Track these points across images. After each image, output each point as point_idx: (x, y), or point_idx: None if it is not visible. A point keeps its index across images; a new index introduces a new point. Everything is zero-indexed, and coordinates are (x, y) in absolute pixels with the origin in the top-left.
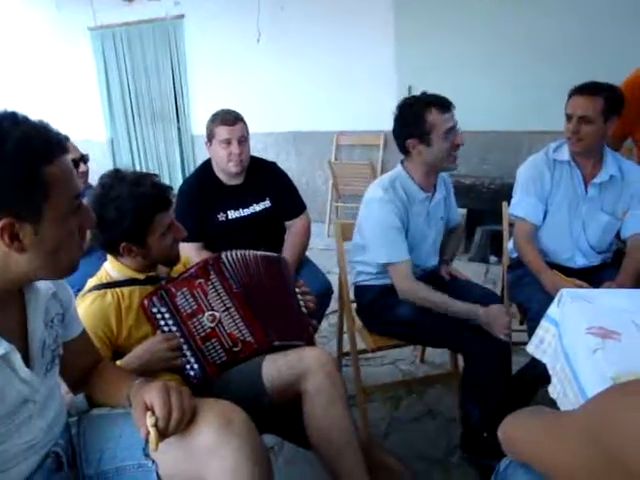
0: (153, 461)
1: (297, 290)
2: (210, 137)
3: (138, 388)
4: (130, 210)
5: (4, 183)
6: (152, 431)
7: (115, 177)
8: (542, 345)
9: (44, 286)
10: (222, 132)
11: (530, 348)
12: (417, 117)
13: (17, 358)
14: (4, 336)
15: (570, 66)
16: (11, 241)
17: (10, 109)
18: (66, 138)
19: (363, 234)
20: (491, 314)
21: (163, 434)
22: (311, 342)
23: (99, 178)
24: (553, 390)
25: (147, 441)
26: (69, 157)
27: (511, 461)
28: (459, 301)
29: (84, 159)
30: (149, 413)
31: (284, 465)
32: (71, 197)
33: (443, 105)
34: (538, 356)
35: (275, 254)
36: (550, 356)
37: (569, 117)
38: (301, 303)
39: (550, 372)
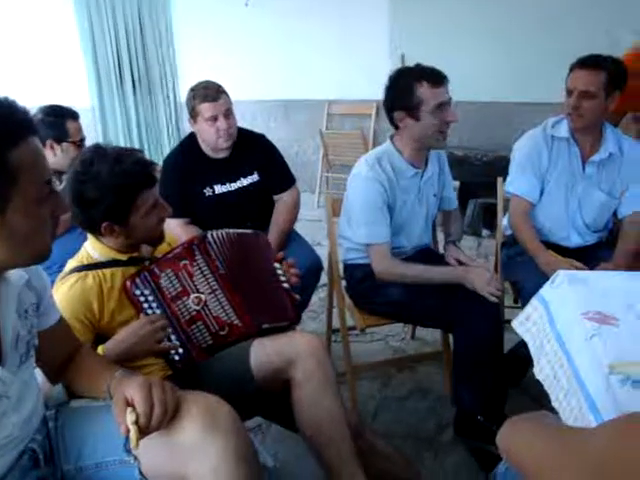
0: (135, 457)
1: (277, 265)
2: (193, 115)
3: (119, 381)
4: (111, 188)
5: None
6: (132, 428)
7: (96, 152)
8: (527, 323)
9: (16, 275)
10: (206, 109)
11: (515, 323)
12: (407, 89)
13: None
14: None
15: (568, 35)
16: None
17: None
18: (75, 115)
19: (348, 211)
20: (472, 270)
21: (144, 431)
22: (297, 320)
23: (79, 153)
24: (539, 372)
25: (127, 438)
26: (37, 139)
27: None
28: (437, 267)
29: (82, 142)
30: (130, 409)
31: (273, 444)
32: (41, 183)
33: (436, 79)
34: (520, 332)
35: (251, 230)
36: (533, 335)
37: (570, 92)
38: (282, 278)
39: (533, 351)
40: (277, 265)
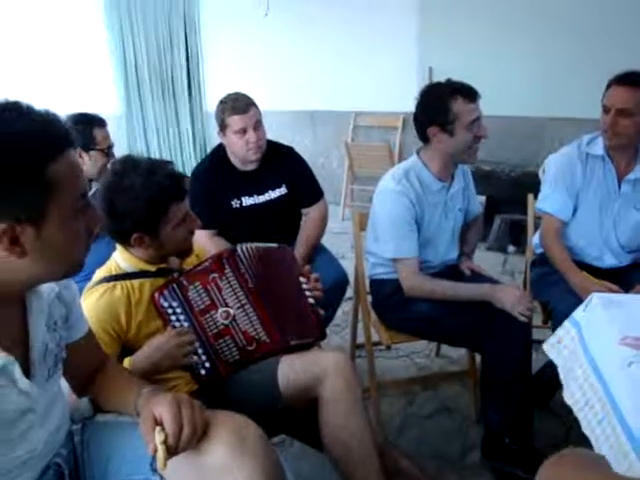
0: (161, 477)
1: (303, 280)
2: (223, 127)
3: (147, 398)
4: (144, 200)
5: (5, 183)
6: (161, 448)
7: (128, 164)
8: (558, 345)
9: (47, 288)
10: (236, 122)
11: (546, 346)
12: (442, 104)
13: (16, 369)
14: (3, 344)
15: (602, 50)
16: (11, 245)
17: (12, 98)
18: (102, 122)
19: (375, 225)
20: (502, 289)
21: (172, 451)
22: (323, 335)
23: (110, 164)
24: (570, 397)
25: (154, 457)
26: (74, 152)
27: None
28: (466, 284)
29: (110, 149)
30: (158, 428)
31: (294, 460)
32: (77, 196)
33: (470, 94)
34: (552, 356)
35: (277, 245)
36: (564, 358)
37: (607, 109)
38: (308, 294)
39: (562, 375)
40: (303, 280)
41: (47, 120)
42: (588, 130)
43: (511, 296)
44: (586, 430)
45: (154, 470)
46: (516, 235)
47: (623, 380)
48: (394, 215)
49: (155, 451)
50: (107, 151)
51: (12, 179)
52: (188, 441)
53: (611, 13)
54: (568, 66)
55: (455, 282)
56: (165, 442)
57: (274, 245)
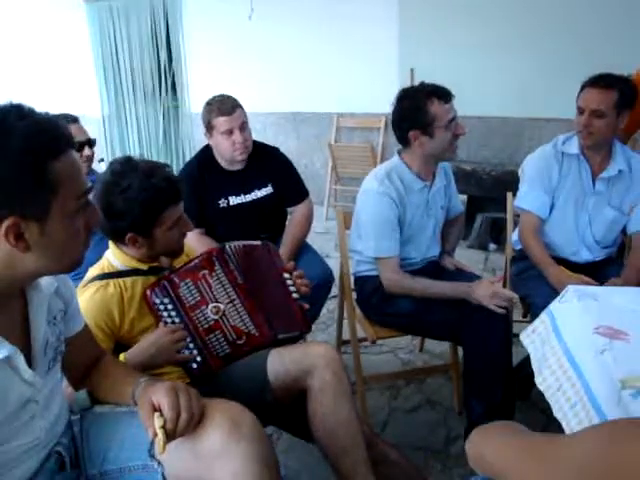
0: (159, 462)
1: (286, 275)
2: (209, 128)
3: (145, 387)
4: (140, 202)
5: (9, 181)
6: (160, 433)
7: (127, 165)
8: (533, 335)
9: (46, 283)
10: (222, 123)
11: (522, 336)
12: (419, 108)
13: (20, 360)
14: (6, 337)
15: (577, 53)
16: (16, 241)
17: (15, 101)
18: (75, 119)
19: (358, 225)
20: (477, 285)
21: (171, 436)
22: (308, 328)
23: (109, 164)
24: (542, 382)
25: (153, 442)
26: (75, 152)
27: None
28: (444, 282)
29: (90, 143)
30: (157, 414)
31: (282, 454)
32: (78, 194)
33: (444, 95)
34: (526, 344)
35: (260, 242)
36: (537, 347)
37: (581, 110)
38: (292, 288)
39: (533, 362)
40: (286, 275)
41: (48, 122)
42: (566, 130)
43: (486, 291)
44: (558, 414)
45: (152, 456)
46: (497, 233)
47: (596, 367)
48: (376, 215)
49: (155, 436)
50: (85, 145)
51: (17, 178)
52: (186, 426)
53: (588, 17)
54: (546, 68)
55: (433, 280)
56: (164, 427)
57: (257, 242)
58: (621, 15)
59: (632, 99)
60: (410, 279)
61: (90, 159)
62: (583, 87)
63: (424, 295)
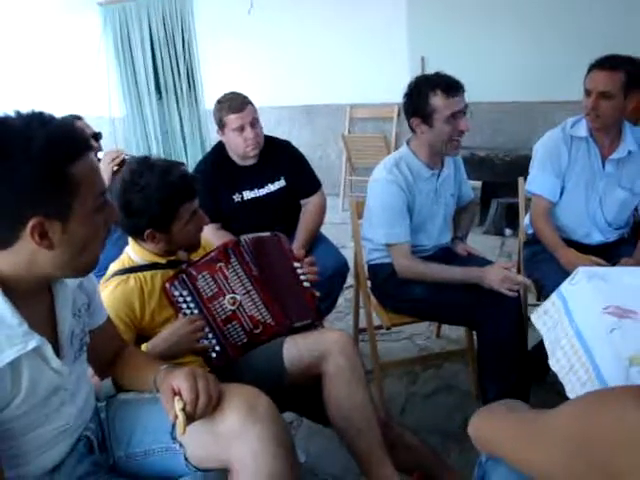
0: (180, 444)
1: (297, 264)
2: (221, 126)
3: (165, 374)
4: (158, 199)
5: (34, 183)
6: (180, 415)
7: (145, 165)
8: (544, 316)
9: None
10: (233, 120)
11: (533, 317)
12: (422, 97)
13: (48, 349)
14: (35, 329)
15: (588, 35)
16: (41, 239)
17: (37, 109)
18: (78, 117)
19: (369, 213)
20: (488, 270)
21: (191, 418)
22: (320, 316)
23: (127, 163)
24: (555, 363)
25: (175, 425)
26: (93, 155)
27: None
28: (456, 267)
29: (96, 137)
30: (177, 398)
31: (303, 440)
32: (97, 194)
33: (450, 88)
34: (538, 326)
35: (269, 233)
36: (550, 329)
37: (588, 92)
38: (303, 277)
39: (548, 344)
40: (297, 264)
41: (68, 127)
42: (578, 112)
43: (497, 275)
44: (570, 394)
45: (174, 438)
46: (512, 218)
47: (606, 346)
48: (386, 202)
49: (175, 418)
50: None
51: (41, 180)
52: (204, 408)
53: (591, 4)
54: (558, 50)
55: (445, 265)
56: (184, 410)
57: (267, 234)
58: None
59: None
60: (422, 264)
61: (97, 152)
62: (590, 69)
63: (436, 280)
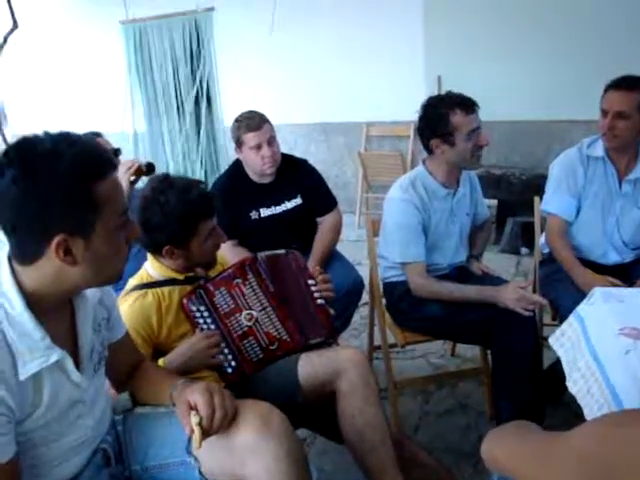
0: (196, 458)
1: (311, 282)
2: (239, 144)
3: (182, 388)
4: (177, 216)
5: (60, 201)
6: (196, 429)
7: (165, 182)
8: (562, 338)
9: (91, 293)
10: (250, 138)
11: (551, 340)
12: (441, 117)
13: (69, 363)
14: (57, 342)
15: (605, 55)
16: (65, 255)
17: (64, 130)
18: (98, 134)
19: (384, 231)
20: (503, 289)
21: (206, 433)
22: (334, 332)
23: (148, 180)
24: (573, 386)
25: (190, 439)
26: (117, 174)
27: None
28: (470, 286)
29: (115, 153)
30: (193, 412)
31: (317, 456)
32: (120, 212)
33: (467, 106)
34: (555, 348)
35: (284, 250)
36: (568, 351)
37: (604, 113)
38: (316, 295)
39: (565, 366)
40: (311, 281)
41: (93, 148)
42: (594, 131)
43: (512, 294)
44: (588, 417)
45: (189, 452)
46: (528, 237)
47: (621, 367)
48: (401, 222)
49: (192, 432)
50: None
51: (67, 199)
52: (220, 423)
53: (613, 19)
54: (573, 70)
55: (460, 284)
56: (200, 424)
57: (282, 251)
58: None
59: None
60: (437, 283)
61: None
62: (606, 89)
63: (451, 299)
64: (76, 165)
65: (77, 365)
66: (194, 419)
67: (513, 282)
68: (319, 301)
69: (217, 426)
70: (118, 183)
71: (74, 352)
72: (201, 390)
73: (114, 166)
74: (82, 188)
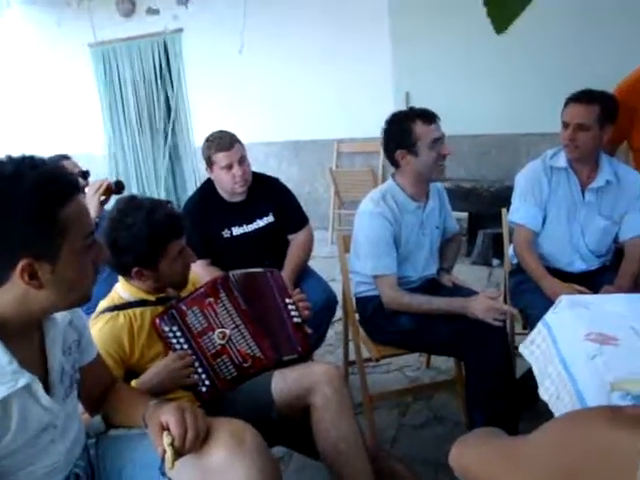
0: (169, 479)
1: (289, 300)
2: (210, 164)
3: (154, 409)
4: (144, 237)
5: (24, 225)
6: (168, 450)
7: (132, 203)
8: (531, 346)
9: (60, 316)
10: (221, 158)
11: (521, 348)
12: (404, 130)
13: (38, 387)
14: (25, 367)
15: (565, 70)
16: (30, 279)
17: (28, 153)
18: (66, 157)
19: (356, 245)
20: (473, 300)
21: (179, 453)
22: (309, 351)
23: (115, 202)
24: (544, 393)
25: (163, 460)
26: (82, 197)
27: None
28: (441, 297)
29: (84, 175)
30: (165, 432)
31: (294, 474)
32: (85, 235)
33: (428, 117)
34: (526, 356)
35: (263, 269)
36: (539, 358)
37: (566, 124)
38: (294, 313)
39: (536, 373)
40: (289, 300)
41: (57, 171)
42: (559, 143)
43: (482, 304)
44: None
45: (163, 474)
46: (499, 248)
47: (588, 372)
48: (372, 235)
49: (164, 453)
50: (77, 177)
51: (31, 223)
52: (192, 443)
53: (574, 35)
54: (536, 84)
55: (430, 296)
56: (172, 444)
57: (261, 270)
58: (600, 37)
59: (614, 113)
60: (408, 295)
61: (84, 190)
62: (567, 103)
63: (421, 311)
64: (39, 188)
65: (47, 389)
66: (166, 439)
67: (483, 293)
68: (296, 320)
69: (189, 446)
70: (83, 206)
71: (44, 376)
72: (173, 410)
73: (79, 188)
74: (46, 211)
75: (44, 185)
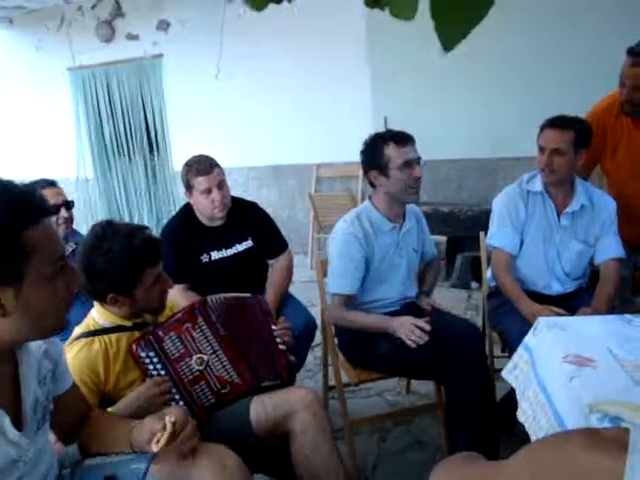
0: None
1: (274, 327)
2: (189, 188)
3: (141, 425)
4: (120, 263)
5: None
6: (169, 426)
7: (108, 229)
8: (515, 371)
9: (35, 345)
10: (200, 182)
11: (504, 373)
12: (377, 150)
13: (6, 422)
14: None
15: (536, 97)
16: None
17: (5, 177)
18: (52, 183)
19: (329, 266)
20: (397, 319)
21: (175, 436)
22: (292, 378)
23: (91, 227)
24: (522, 414)
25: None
26: (52, 219)
27: None
28: (372, 315)
29: (68, 205)
30: (168, 416)
31: None
32: (54, 259)
33: (401, 139)
34: (510, 381)
35: (250, 295)
36: (521, 382)
37: (542, 149)
38: (278, 340)
39: (518, 397)
40: (274, 327)
41: (23, 193)
42: (535, 167)
43: (404, 326)
44: None
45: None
46: (478, 272)
47: (566, 394)
48: (341, 253)
49: (163, 429)
50: (61, 207)
51: None
52: (188, 437)
53: (548, 63)
54: (510, 111)
55: (364, 313)
56: (174, 424)
57: (247, 295)
58: (571, 65)
59: (588, 138)
60: (345, 311)
61: (68, 221)
62: (542, 128)
63: (354, 327)
64: (2, 213)
65: (19, 422)
66: (169, 418)
67: (408, 317)
68: (280, 346)
69: (187, 435)
70: (51, 229)
71: (15, 408)
72: (176, 409)
73: (45, 211)
74: (8, 234)
75: (6, 207)
